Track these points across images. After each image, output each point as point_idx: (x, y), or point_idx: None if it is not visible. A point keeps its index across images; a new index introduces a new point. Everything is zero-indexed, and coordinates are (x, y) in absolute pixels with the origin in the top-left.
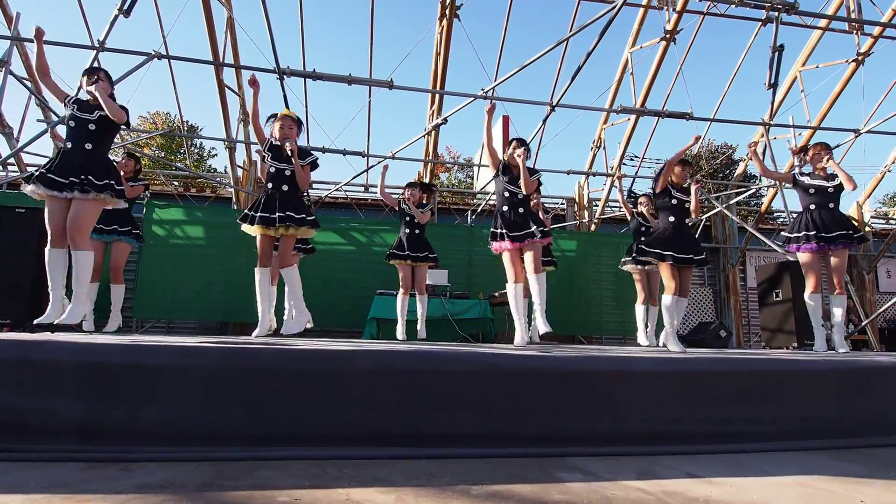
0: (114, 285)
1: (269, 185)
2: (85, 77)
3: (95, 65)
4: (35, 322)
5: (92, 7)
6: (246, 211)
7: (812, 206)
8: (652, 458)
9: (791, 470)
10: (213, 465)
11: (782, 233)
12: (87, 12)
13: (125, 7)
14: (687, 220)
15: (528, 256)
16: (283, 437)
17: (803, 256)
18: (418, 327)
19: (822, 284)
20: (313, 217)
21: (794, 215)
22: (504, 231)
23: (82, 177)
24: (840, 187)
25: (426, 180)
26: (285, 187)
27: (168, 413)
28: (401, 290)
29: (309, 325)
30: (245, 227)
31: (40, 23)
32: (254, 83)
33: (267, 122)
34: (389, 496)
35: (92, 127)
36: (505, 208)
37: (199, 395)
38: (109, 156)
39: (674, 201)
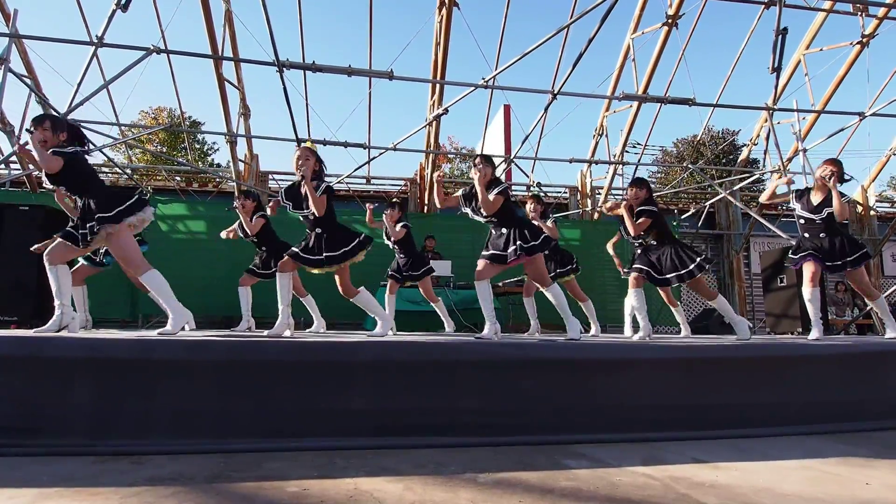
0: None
1: (308, 229)
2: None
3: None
4: (35, 331)
5: (90, 2)
6: (294, 249)
7: (807, 235)
8: (657, 444)
9: (796, 454)
10: (222, 457)
11: (784, 219)
12: (84, 8)
13: (123, 2)
14: (650, 241)
15: (529, 275)
16: (290, 429)
17: (808, 268)
18: (445, 324)
19: (834, 278)
20: (355, 242)
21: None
22: (483, 252)
23: (81, 231)
24: (830, 217)
25: (428, 170)
26: (319, 230)
27: (177, 406)
28: (388, 288)
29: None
30: (309, 268)
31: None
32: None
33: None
34: (397, 485)
35: (56, 185)
36: (491, 230)
37: (208, 389)
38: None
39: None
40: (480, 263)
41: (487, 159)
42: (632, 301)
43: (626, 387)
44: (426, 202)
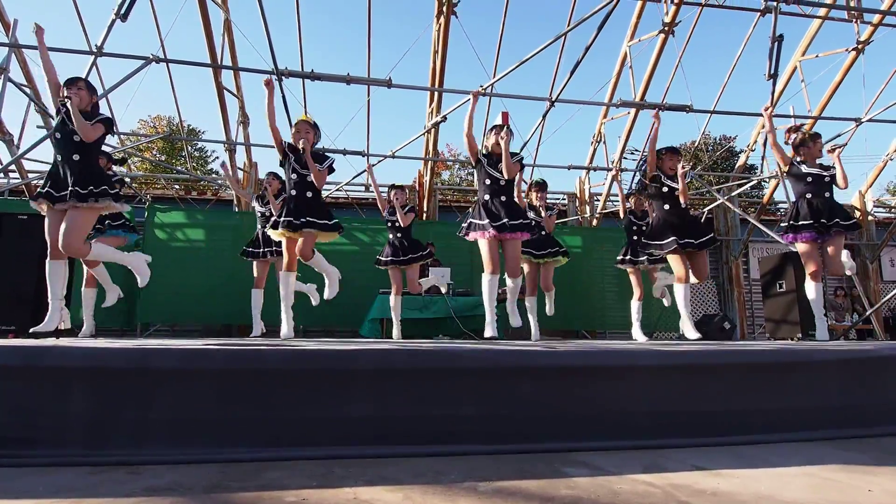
0: (93, 269)
1: (294, 192)
2: (65, 87)
3: (83, 74)
4: (31, 331)
5: (89, 12)
6: (274, 218)
7: (808, 195)
8: (658, 451)
9: (798, 460)
10: (220, 466)
11: (781, 224)
12: (84, 17)
13: (122, 11)
14: (681, 206)
15: (506, 256)
16: (289, 438)
17: (802, 246)
18: (394, 331)
19: (833, 282)
20: (336, 221)
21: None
22: (481, 221)
23: (72, 189)
24: (834, 178)
25: (427, 178)
26: (309, 193)
27: (175, 416)
28: (392, 291)
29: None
30: (271, 233)
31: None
32: (269, 84)
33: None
34: (397, 494)
35: (77, 138)
36: (486, 197)
37: (206, 398)
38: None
39: (664, 189)
40: (485, 244)
41: (511, 132)
42: (676, 296)
43: (626, 393)
44: (425, 209)
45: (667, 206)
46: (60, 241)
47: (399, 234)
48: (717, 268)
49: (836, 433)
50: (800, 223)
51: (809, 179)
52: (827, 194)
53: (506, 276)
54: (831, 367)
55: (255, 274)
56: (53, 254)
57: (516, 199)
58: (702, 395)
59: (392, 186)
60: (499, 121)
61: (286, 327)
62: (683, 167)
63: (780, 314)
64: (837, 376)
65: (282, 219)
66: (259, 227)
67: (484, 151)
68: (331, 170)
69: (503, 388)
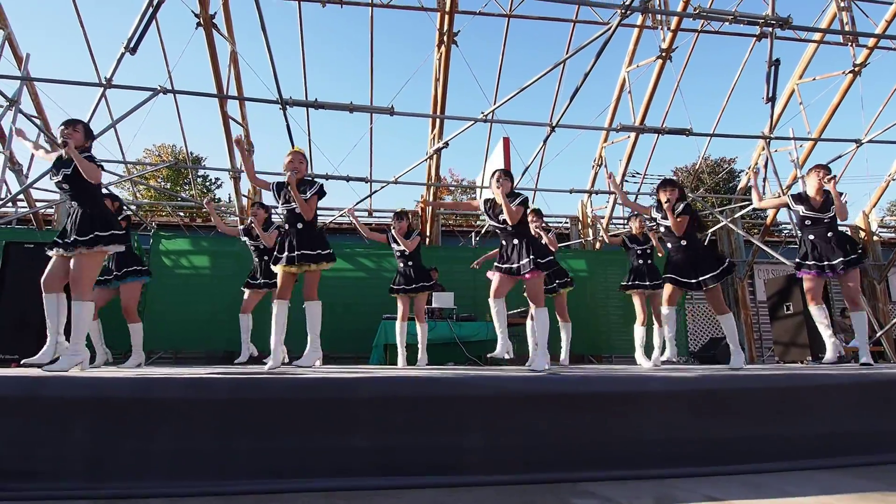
0: (130, 325)
1: (286, 226)
2: (61, 129)
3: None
4: (23, 362)
5: (99, 44)
6: (276, 254)
7: (811, 236)
8: (668, 480)
9: (812, 490)
10: (221, 499)
11: (789, 246)
12: (94, 50)
13: (131, 45)
14: (681, 241)
15: (528, 293)
16: (290, 469)
17: (807, 283)
18: (419, 356)
19: (840, 303)
20: (329, 251)
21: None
22: (497, 264)
23: (75, 238)
24: (834, 218)
25: (430, 198)
26: (300, 225)
27: (177, 447)
28: (398, 317)
29: (318, 364)
30: (274, 268)
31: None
32: (238, 143)
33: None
34: None
35: (66, 186)
36: (503, 242)
37: (208, 428)
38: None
39: (661, 228)
40: (496, 278)
41: (507, 174)
42: (664, 318)
43: (635, 420)
44: (428, 234)
45: (669, 244)
46: (71, 283)
47: (409, 263)
48: (724, 290)
49: (850, 460)
50: (805, 263)
51: (808, 222)
52: (830, 233)
53: (531, 306)
54: (845, 392)
55: (245, 299)
56: (45, 287)
57: (534, 233)
58: (713, 423)
59: (395, 216)
60: (500, 155)
61: (272, 360)
62: (668, 199)
63: (789, 337)
64: (851, 402)
65: (281, 255)
66: (255, 259)
67: (484, 202)
68: (321, 193)
69: (509, 417)
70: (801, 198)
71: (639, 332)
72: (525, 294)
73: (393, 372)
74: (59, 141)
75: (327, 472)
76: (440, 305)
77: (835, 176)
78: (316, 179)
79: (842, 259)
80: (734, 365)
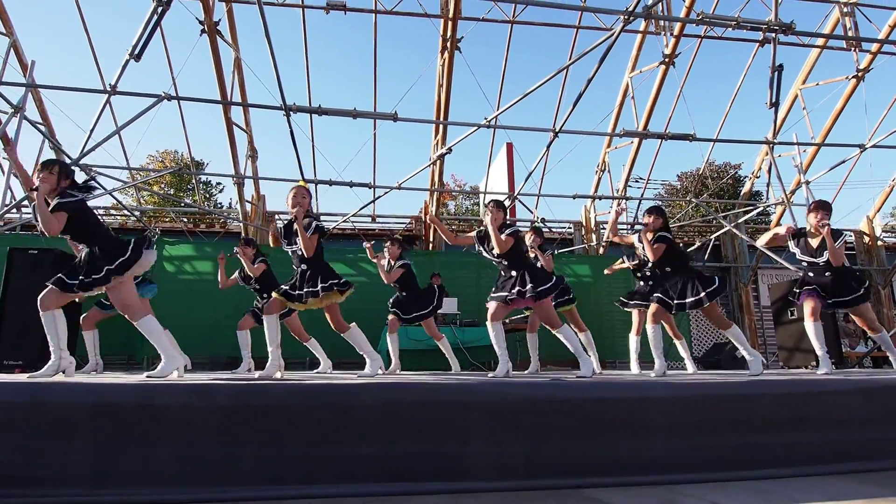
0: (85, 332)
1: (294, 265)
2: (36, 171)
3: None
4: (28, 376)
5: (104, 51)
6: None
7: (811, 274)
8: (674, 486)
9: (818, 496)
10: None
11: (792, 251)
12: (99, 57)
13: (136, 52)
14: (668, 269)
15: (542, 319)
16: (293, 476)
17: (808, 308)
18: (451, 363)
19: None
20: (335, 281)
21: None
22: (492, 293)
23: (85, 280)
24: (829, 262)
25: (433, 208)
26: (303, 266)
27: (180, 454)
28: (388, 328)
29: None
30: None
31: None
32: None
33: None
34: None
35: (61, 234)
36: (501, 272)
37: (211, 434)
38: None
39: (638, 250)
40: (492, 306)
41: (499, 204)
42: (649, 336)
43: (640, 426)
44: (431, 239)
45: (658, 271)
46: (126, 314)
47: (404, 293)
48: (727, 295)
49: (857, 466)
50: (801, 291)
51: (805, 264)
52: (827, 273)
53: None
54: (851, 398)
55: (242, 320)
56: (41, 306)
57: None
58: (718, 429)
59: (390, 240)
60: (503, 161)
61: (267, 368)
62: (647, 224)
63: (793, 342)
64: (858, 408)
65: (288, 292)
66: (256, 300)
67: (477, 235)
68: (319, 231)
69: (512, 423)
70: (797, 240)
71: (633, 341)
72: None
73: (396, 378)
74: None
75: (331, 479)
76: (443, 311)
77: (828, 224)
78: (312, 220)
79: (842, 299)
80: (753, 371)
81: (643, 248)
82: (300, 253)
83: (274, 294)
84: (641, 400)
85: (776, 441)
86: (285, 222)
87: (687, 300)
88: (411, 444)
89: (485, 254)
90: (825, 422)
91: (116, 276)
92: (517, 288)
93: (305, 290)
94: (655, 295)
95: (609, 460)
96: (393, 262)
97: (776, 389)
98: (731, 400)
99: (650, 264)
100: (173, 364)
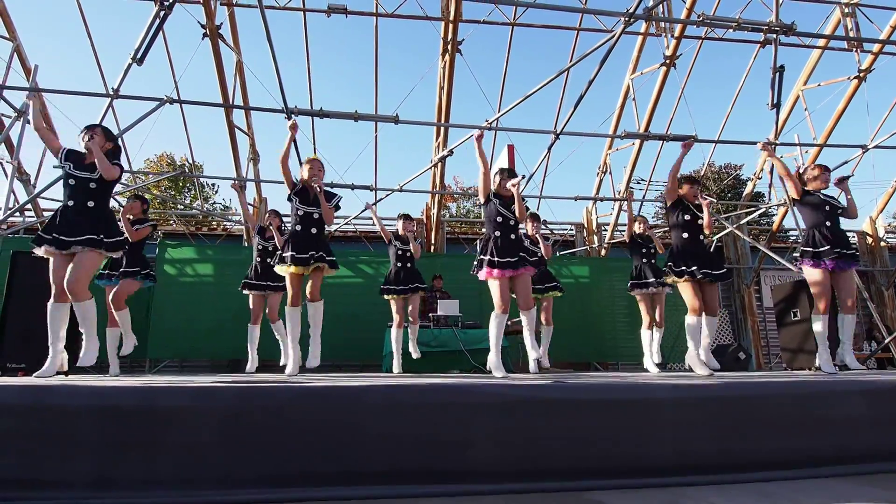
0: (117, 312)
1: (299, 227)
2: (83, 132)
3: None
4: (34, 375)
5: (106, 55)
6: (279, 253)
7: (827, 223)
8: (677, 489)
9: (822, 498)
10: None
11: (796, 253)
12: (101, 61)
13: (138, 56)
14: (700, 237)
15: (519, 291)
16: (298, 477)
17: (817, 276)
18: (410, 348)
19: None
20: (334, 259)
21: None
22: (496, 259)
23: (88, 237)
24: (844, 208)
25: (435, 210)
26: (314, 230)
27: (183, 456)
28: (395, 323)
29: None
30: (278, 269)
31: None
32: (294, 127)
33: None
34: None
35: (93, 185)
36: (497, 234)
37: (214, 437)
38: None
39: (686, 217)
40: (500, 282)
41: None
42: (688, 328)
43: (644, 428)
44: (433, 242)
45: (685, 235)
46: (67, 284)
47: (409, 265)
48: (730, 297)
49: (863, 468)
50: (820, 250)
51: (828, 208)
52: (840, 222)
53: (519, 310)
54: (857, 399)
55: (252, 307)
56: (58, 296)
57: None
58: (722, 431)
59: (404, 217)
60: (505, 162)
61: (291, 364)
62: (706, 197)
63: (797, 343)
64: (863, 409)
65: (289, 254)
66: (257, 258)
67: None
68: (337, 207)
69: (516, 425)
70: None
71: (646, 335)
72: (514, 294)
73: (398, 380)
74: (84, 144)
75: (333, 481)
76: (445, 313)
77: (846, 177)
78: (334, 192)
79: (853, 252)
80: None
81: (704, 216)
82: (316, 217)
83: (286, 268)
84: (644, 402)
85: (780, 443)
86: (299, 187)
87: (721, 271)
88: (414, 446)
89: (498, 209)
90: (830, 424)
91: (105, 249)
92: (527, 254)
93: (319, 252)
94: (690, 271)
95: (612, 463)
96: (414, 238)
97: (779, 390)
98: (733, 402)
99: (684, 237)
100: (93, 356)
